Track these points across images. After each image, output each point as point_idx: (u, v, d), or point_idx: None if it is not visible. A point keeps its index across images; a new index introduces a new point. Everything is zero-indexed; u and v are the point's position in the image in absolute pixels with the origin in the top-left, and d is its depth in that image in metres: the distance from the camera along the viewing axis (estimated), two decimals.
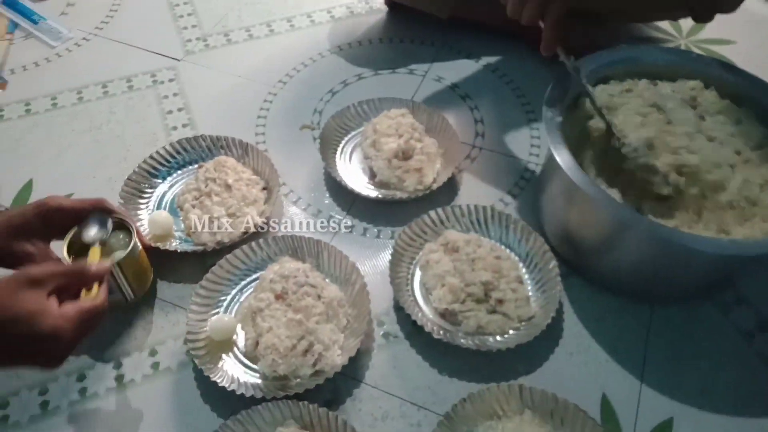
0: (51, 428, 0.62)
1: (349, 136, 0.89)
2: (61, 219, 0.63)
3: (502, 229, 0.77)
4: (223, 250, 0.73)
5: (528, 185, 0.84)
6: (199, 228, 0.75)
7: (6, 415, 0.62)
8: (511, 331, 0.68)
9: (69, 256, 0.63)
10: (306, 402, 0.59)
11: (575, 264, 0.75)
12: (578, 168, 0.65)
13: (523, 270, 0.74)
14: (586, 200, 0.65)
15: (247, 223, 0.76)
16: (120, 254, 0.64)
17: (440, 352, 0.67)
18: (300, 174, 0.85)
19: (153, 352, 0.67)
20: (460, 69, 1.01)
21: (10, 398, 0.64)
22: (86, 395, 0.64)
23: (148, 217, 0.77)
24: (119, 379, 0.65)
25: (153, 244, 0.72)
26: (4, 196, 0.82)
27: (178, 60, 1.02)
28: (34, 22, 1.07)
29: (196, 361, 0.63)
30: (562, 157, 0.66)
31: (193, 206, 0.77)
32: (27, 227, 0.61)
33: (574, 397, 0.60)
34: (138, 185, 0.81)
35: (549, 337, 0.68)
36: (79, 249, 0.64)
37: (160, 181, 0.83)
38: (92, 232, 0.64)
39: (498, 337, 0.67)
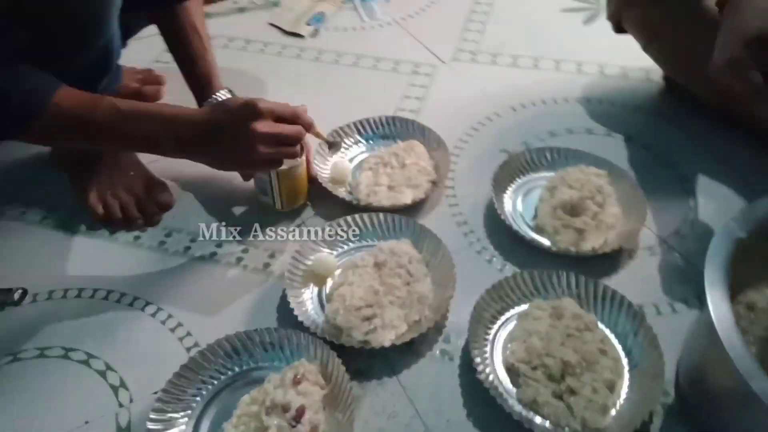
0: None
1: (537, 174, 0.87)
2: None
3: (629, 329, 0.66)
4: (368, 210, 0.80)
5: (697, 309, 0.70)
6: (362, 186, 0.84)
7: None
8: (567, 429, 0.59)
9: None
10: (339, 360, 0.62)
11: (694, 408, 0.60)
12: (729, 314, 0.51)
13: (626, 382, 0.62)
14: (724, 356, 0.51)
15: (398, 200, 0.81)
16: (282, 167, 0.77)
17: (481, 400, 0.62)
18: (472, 188, 0.87)
19: (272, 254, 0.78)
20: (705, 168, 0.88)
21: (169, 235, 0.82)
22: (218, 256, 0.78)
23: (332, 162, 0.89)
24: (239, 259, 0.78)
25: (314, 175, 0.84)
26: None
27: (444, 62, 1.13)
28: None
29: (287, 276, 0.72)
30: (713, 290, 0.52)
31: (370, 168, 0.86)
32: None
33: None
34: (347, 135, 0.93)
35: None
36: None
37: (363, 141, 0.94)
38: None
39: (548, 424, 0.59)
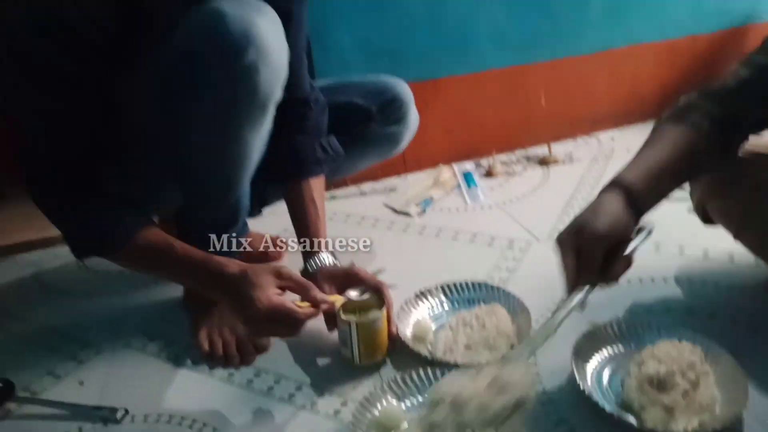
0: None
1: (626, 350, 0.82)
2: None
3: None
4: (443, 365, 0.81)
5: None
6: (441, 344, 0.86)
7: None
8: None
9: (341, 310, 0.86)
10: None
11: None
12: None
13: None
14: None
15: (473, 359, 0.82)
16: (359, 318, 0.82)
17: None
18: (553, 356, 0.83)
19: (344, 402, 0.80)
20: None
21: None
22: (295, 398, 0.82)
23: (415, 319, 0.93)
24: (313, 404, 0.81)
25: (395, 332, 0.88)
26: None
27: (539, 240, 1.18)
28: (468, 186, 1.45)
29: (352, 419, 0.73)
30: None
31: (450, 328, 0.89)
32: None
33: None
34: (433, 296, 0.98)
35: None
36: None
37: (447, 303, 0.98)
38: (353, 293, 0.86)
39: None
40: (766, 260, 0.92)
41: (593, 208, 0.74)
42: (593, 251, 0.70)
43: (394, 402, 0.77)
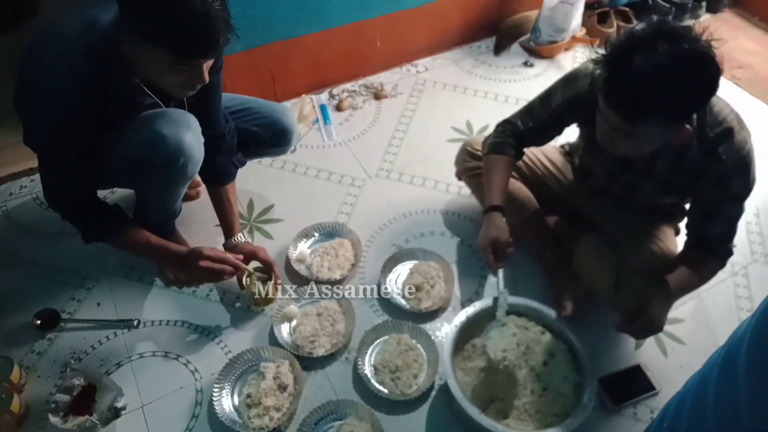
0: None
1: (406, 264, 1.64)
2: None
3: (431, 348, 1.44)
4: (317, 282, 1.56)
5: None
6: (314, 267, 1.59)
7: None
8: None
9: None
10: (296, 361, 1.39)
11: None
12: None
13: (425, 373, 1.41)
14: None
15: (332, 276, 1.58)
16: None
17: (356, 385, 1.40)
18: (373, 268, 1.63)
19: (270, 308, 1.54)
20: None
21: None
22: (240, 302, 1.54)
23: (299, 249, 1.64)
24: (248, 308, 1.54)
25: (279, 290, 1.54)
26: (259, 208, 1.78)
27: (369, 177, 1.87)
28: (325, 122, 2.04)
29: (274, 317, 1.47)
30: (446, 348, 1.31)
31: (319, 255, 1.62)
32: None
33: None
34: (310, 233, 1.68)
35: (408, 405, 1.35)
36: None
37: (316, 236, 1.69)
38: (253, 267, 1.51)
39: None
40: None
41: (493, 225, 1.36)
42: (503, 250, 1.35)
43: (291, 305, 1.52)
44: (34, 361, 1.42)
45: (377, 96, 2.16)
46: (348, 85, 2.18)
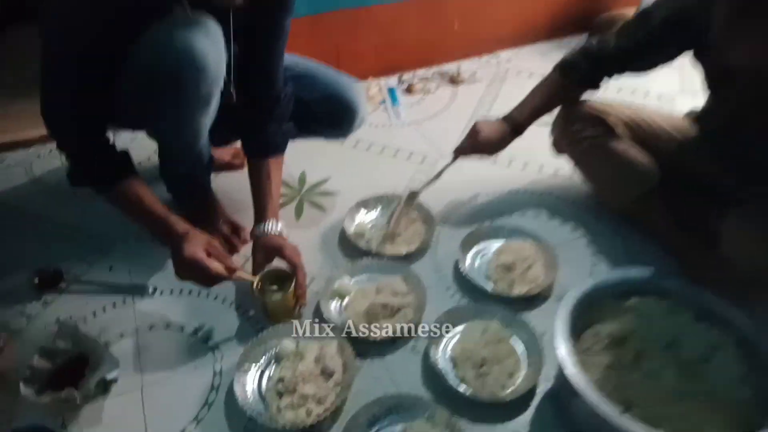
0: None
1: (495, 242, 1.29)
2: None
3: (533, 345, 1.05)
4: (376, 255, 1.23)
5: None
6: (373, 242, 1.27)
7: None
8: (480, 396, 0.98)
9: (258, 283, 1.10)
10: (347, 342, 1.04)
11: (559, 400, 0.98)
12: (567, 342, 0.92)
13: (523, 372, 1.02)
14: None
15: (397, 251, 1.24)
16: (271, 295, 1.10)
17: (429, 377, 1.02)
18: (446, 246, 1.29)
19: (311, 280, 1.21)
20: (607, 247, 1.29)
21: None
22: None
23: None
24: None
25: (305, 302, 1.13)
26: (312, 180, 1.50)
27: (443, 157, 1.57)
28: (393, 104, 1.78)
29: (319, 293, 1.14)
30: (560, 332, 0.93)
31: (380, 228, 1.30)
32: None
33: None
34: (369, 205, 1.37)
35: (507, 416, 0.96)
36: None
37: (379, 211, 1.38)
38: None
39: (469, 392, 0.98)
40: (588, 187, 1.39)
41: (491, 131, 1.28)
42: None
43: (346, 279, 1.19)
44: (22, 325, 1.13)
45: (453, 80, 1.90)
46: (420, 72, 1.94)
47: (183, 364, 1.05)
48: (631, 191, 1.25)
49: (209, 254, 1.02)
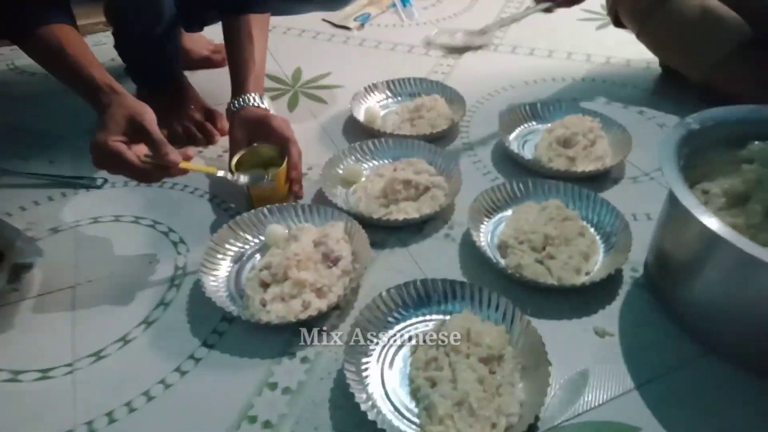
0: None
1: (539, 125, 1.01)
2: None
3: (608, 221, 0.77)
4: (392, 137, 0.95)
5: None
6: (389, 124, 0.99)
7: None
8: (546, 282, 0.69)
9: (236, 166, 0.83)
10: (359, 226, 0.75)
11: (656, 283, 0.70)
12: (678, 172, 0.63)
13: (601, 257, 0.74)
14: (680, 207, 0.61)
15: (418, 131, 0.96)
16: (250, 179, 0.80)
17: (477, 267, 0.74)
18: (483, 132, 1.01)
19: (310, 168, 0.93)
20: None
21: None
22: None
23: (366, 106, 1.04)
24: None
25: (300, 184, 0.84)
26: (308, 76, 1.22)
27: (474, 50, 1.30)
28: (404, 5, 1.51)
29: (322, 175, 0.86)
30: (669, 170, 0.64)
31: (396, 113, 1.02)
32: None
33: (557, 355, 0.60)
34: (376, 90, 1.09)
35: (580, 307, 0.68)
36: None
37: (392, 97, 1.10)
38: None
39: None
40: (661, 56, 1.11)
41: None
42: None
43: (354, 163, 0.91)
44: None
45: None
46: None
47: (133, 260, 0.77)
48: (720, 49, 0.97)
49: (134, 140, 0.73)
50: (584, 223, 0.77)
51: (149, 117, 0.73)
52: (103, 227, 0.83)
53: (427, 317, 0.66)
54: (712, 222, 0.57)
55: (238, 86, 0.91)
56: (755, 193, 0.67)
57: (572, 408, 0.58)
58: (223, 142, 1.00)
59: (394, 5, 1.54)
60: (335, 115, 1.08)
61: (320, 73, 1.23)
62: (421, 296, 0.67)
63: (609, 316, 0.67)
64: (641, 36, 1.08)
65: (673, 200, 0.64)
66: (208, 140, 1.01)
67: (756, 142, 0.70)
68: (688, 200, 0.60)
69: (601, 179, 0.88)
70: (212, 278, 0.71)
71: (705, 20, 0.97)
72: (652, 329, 0.66)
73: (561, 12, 1.44)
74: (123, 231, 0.82)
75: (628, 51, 1.24)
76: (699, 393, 0.59)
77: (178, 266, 0.76)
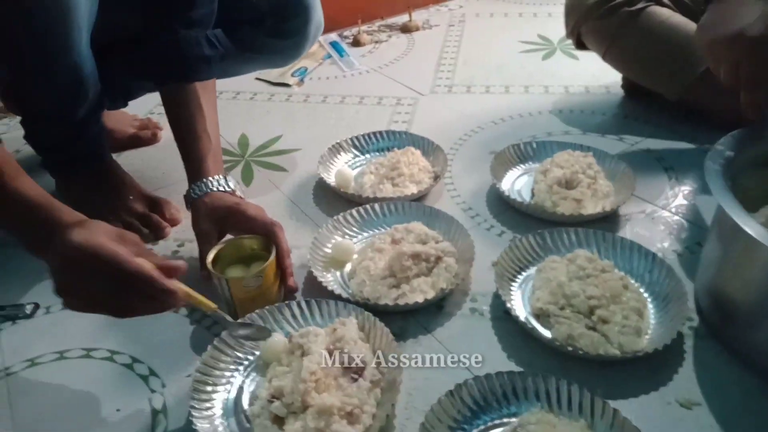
0: None
1: (527, 166, 0.93)
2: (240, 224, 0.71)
3: (644, 267, 0.70)
4: (373, 201, 0.83)
5: (699, 251, 0.75)
6: (367, 186, 0.88)
7: None
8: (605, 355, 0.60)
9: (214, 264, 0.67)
10: (376, 318, 0.63)
11: (718, 328, 0.63)
12: (746, 215, 0.57)
13: (651, 310, 0.65)
14: (744, 241, 0.55)
15: (402, 192, 0.86)
16: (234, 273, 0.67)
17: (519, 343, 0.63)
18: (470, 181, 0.92)
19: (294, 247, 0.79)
20: (674, 148, 0.97)
21: None
22: None
23: (336, 170, 0.93)
24: None
25: (294, 285, 0.70)
26: (258, 143, 1.09)
27: (423, 95, 1.23)
28: (340, 56, 1.43)
29: (310, 261, 0.73)
30: (726, 200, 0.58)
31: (371, 172, 0.91)
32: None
33: None
34: (342, 150, 0.98)
35: (651, 376, 0.58)
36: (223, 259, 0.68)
37: (360, 155, 0.99)
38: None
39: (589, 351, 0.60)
40: (630, 73, 1.08)
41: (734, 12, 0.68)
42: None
43: (340, 239, 0.79)
44: None
45: (406, 29, 1.58)
46: (363, 27, 1.60)
47: (93, 407, 0.60)
48: (697, 65, 0.94)
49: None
50: (622, 272, 0.69)
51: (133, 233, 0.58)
52: (45, 370, 0.65)
53: (489, 424, 0.55)
54: None
55: (196, 168, 0.77)
56: None
57: None
58: (176, 235, 0.85)
59: (328, 56, 1.45)
60: (300, 183, 0.95)
61: (269, 137, 1.10)
62: (479, 403, 0.55)
63: (685, 380, 0.59)
64: (608, 57, 1.04)
65: (734, 234, 0.57)
66: (156, 235, 0.84)
67: None
68: (757, 231, 0.53)
69: (610, 219, 0.81)
70: (205, 425, 0.55)
71: (677, 36, 0.94)
72: (736, 386, 0.58)
73: (501, 46, 1.43)
74: (71, 370, 0.64)
75: (583, 78, 1.23)
76: None
77: (156, 408, 0.59)
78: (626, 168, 0.86)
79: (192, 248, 0.80)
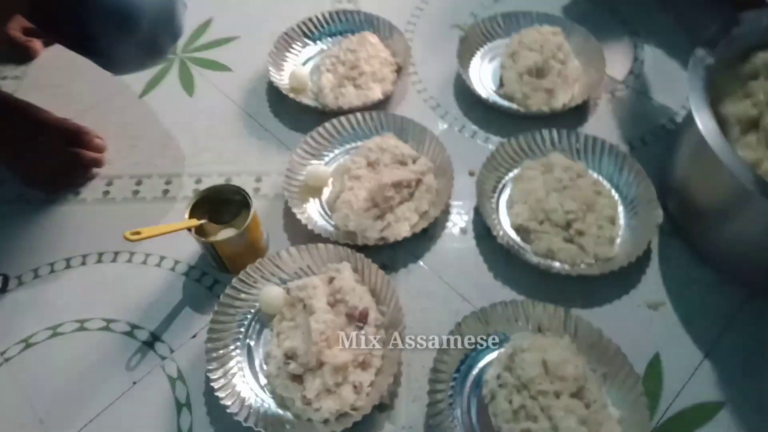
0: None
1: (494, 43, 0.88)
2: None
3: (614, 168, 0.72)
4: (339, 113, 0.79)
5: (666, 136, 0.77)
6: (327, 90, 0.81)
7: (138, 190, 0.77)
8: (583, 265, 0.65)
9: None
10: (362, 255, 0.64)
11: (683, 226, 0.68)
12: (714, 123, 0.58)
13: (622, 213, 0.69)
14: (714, 160, 0.57)
15: (368, 98, 0.80)
16: (220, 234, 0.65)
17: (502, 261, 0.67)
18: (434, 69, 0.87)
19: (258, 179, 0.76)
20: (641, 9, 0.92)
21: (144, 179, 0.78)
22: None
23: (289, 71, 0.84)
24: None
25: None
26: (187, 32, 0.95)
27: None
28: None
29: (287, 195, 0.70)
30: (698, 106, 0.59)
31: (328, 70, 0.83)
32: None
33: (623, 345, 0.56)
34: (291, 41, 0.89)
35: (622, 282, 0.65)
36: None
37: (311, 42, 0.90)
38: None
39: (566, 266, 0.65)
40: None
41: None
42: None
43: (314, 161, 0.76)
44: None
45: None
46: None
47: (110, 383, 0.62)
48: None
49: None
50: (595, 176, 0.71)
51: None
52: (43, 350, 0.64)
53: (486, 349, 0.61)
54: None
55: None
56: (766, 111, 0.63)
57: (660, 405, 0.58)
58: (106, 171, 0.78)
59: None
60: (251, 87, 0.87)
61: (198, 23, 0.96)
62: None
63: (652, 282, 0.65)
64: None
65: (703, 151, 0.58)
66: (86, 172, 0.78)
67: (759, 53, 0.65)
68: (726, 157, 0.55)
69: (580, 108, 0.80)
70: (228, 390, 0.58)
71: None
72: (697, 284, 0.65)
73: None
74: (72, 347, 0.64)
75: None
76: (758, 336, 0.61)
77: (171, 375, 0.62)
78: (596, 44, 0.82)
79: (123, 185, 0.76)
